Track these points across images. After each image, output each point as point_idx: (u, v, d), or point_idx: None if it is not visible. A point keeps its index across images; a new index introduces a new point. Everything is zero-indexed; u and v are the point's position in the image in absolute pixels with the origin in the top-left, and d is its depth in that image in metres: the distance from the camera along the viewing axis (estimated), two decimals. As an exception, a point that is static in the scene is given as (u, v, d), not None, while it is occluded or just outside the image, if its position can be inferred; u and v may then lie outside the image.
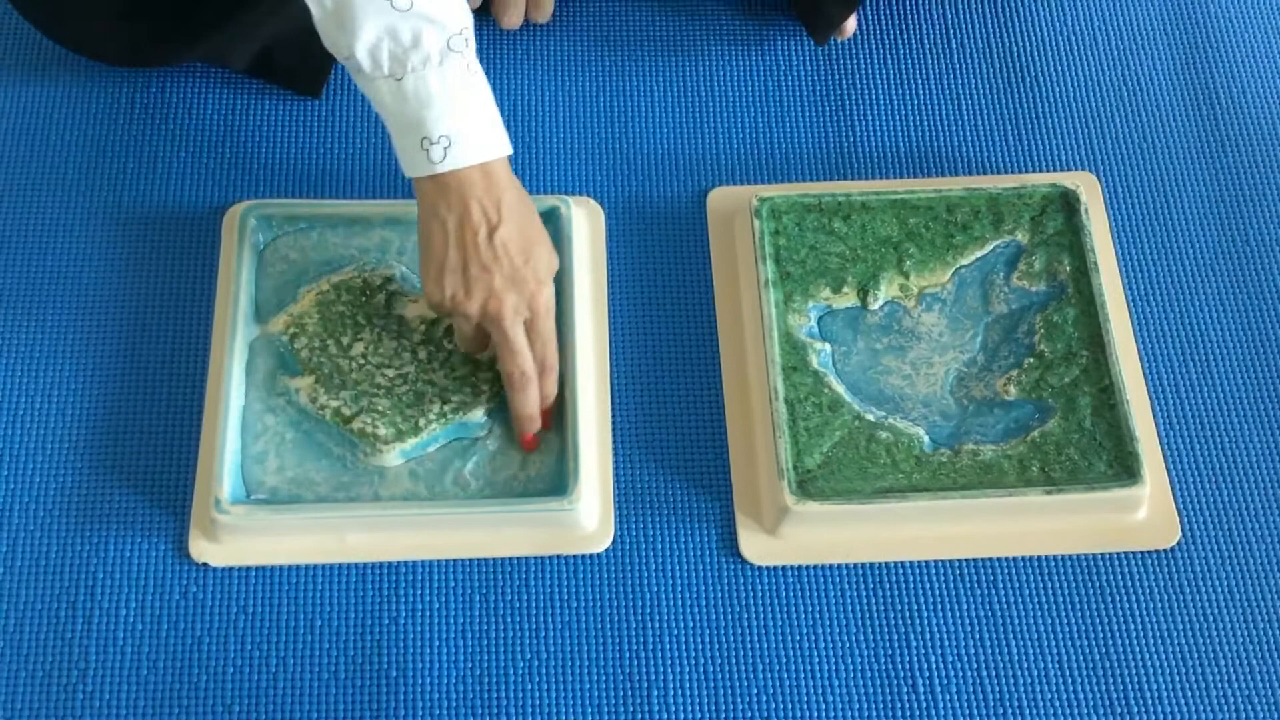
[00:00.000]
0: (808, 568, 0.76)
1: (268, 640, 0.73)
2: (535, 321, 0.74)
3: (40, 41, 0.92)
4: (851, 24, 0.92)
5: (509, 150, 0.72)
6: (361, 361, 0.79)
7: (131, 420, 0.79)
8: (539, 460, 0.77)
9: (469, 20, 0.70)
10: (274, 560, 0.75)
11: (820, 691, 0.72)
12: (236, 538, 0.75)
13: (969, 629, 0.74)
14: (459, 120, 0.69)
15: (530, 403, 0.75)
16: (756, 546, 0.76)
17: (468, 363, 0.79)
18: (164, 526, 0.76)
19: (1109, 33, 0.96)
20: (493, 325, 0.73)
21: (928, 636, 0.74)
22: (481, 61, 0.92)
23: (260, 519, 0.73)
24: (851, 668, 0.73)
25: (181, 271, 0.84)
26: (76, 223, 0.86)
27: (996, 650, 0.74)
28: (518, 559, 0.75)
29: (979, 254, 0.84)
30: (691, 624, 0.74)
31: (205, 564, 0.75)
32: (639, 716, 0.71)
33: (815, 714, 0.72)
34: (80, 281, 0.84)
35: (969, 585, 0.75)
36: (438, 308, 0.74)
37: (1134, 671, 0.73)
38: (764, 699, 0.72)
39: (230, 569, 0.75)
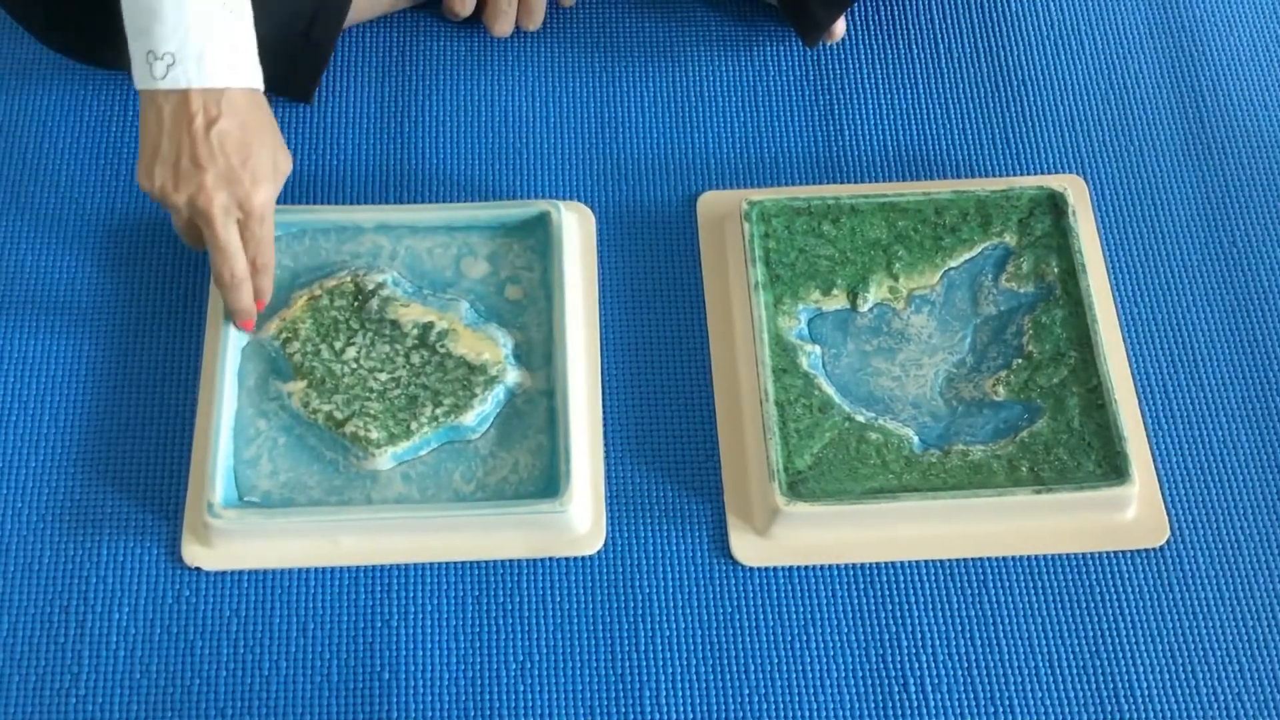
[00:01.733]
0: (799, 568, 0.76)
1: (260, 644, 0.73)
2: (248, 222, 0.72)
3: (34, 47, 0.92)
4: (840, 27, 0.93)
5: (251, 83, 0.71)
6: (354, 366, 0.79)
7: (124, 424, 0.79)
8: (531, 462, 0.77)
9: None
10: (266, 564, 0.75)
11: (812, 692, 0.73)
12: (229, 542, 0.75)
13: (959, 629, 0.74)
14: (187, 40, 0.68)
15: (242, 299, 0.75)
16: (748, 547, 0.76)
17: (460, 366, 0.79)
18: (156, 531, 0.76)
19: (1095, 36, 0.96)
20: (202, 222, 0.71)
21: (918, 636, 0.74)
22: (473, 68, 0.92)
23: (253, 523, 0.74)
24: (843, 668, 0.73)
25: (174, 277, 0.84)
26: (69, 228, 0.86)
27: (987, 650, 0.74)
28: (510, 561, 0.76)
29: (967, 256, 0.84)
30: (683, 625, 0.74)
31: (198, 568, 0.75)
32: (631, 718, 0.72)
33: (807, 714, 0.72)
34: (73, 287, 0.84)
35: (959, 585, 0.76)
36: (149, 195, 0.72)
37: (1124, 670, 0.74)
38: (756, 699, 0.72)
39: (223, 573, 0.75)
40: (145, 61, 0.69)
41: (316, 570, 0.75)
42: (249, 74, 0.71)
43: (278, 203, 0.86)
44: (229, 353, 0.78)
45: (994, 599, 0.75)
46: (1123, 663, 0.74)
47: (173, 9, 0.67)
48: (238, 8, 0.70)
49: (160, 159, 0.70)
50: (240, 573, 0.75)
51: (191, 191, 0.70)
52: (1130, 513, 0.77)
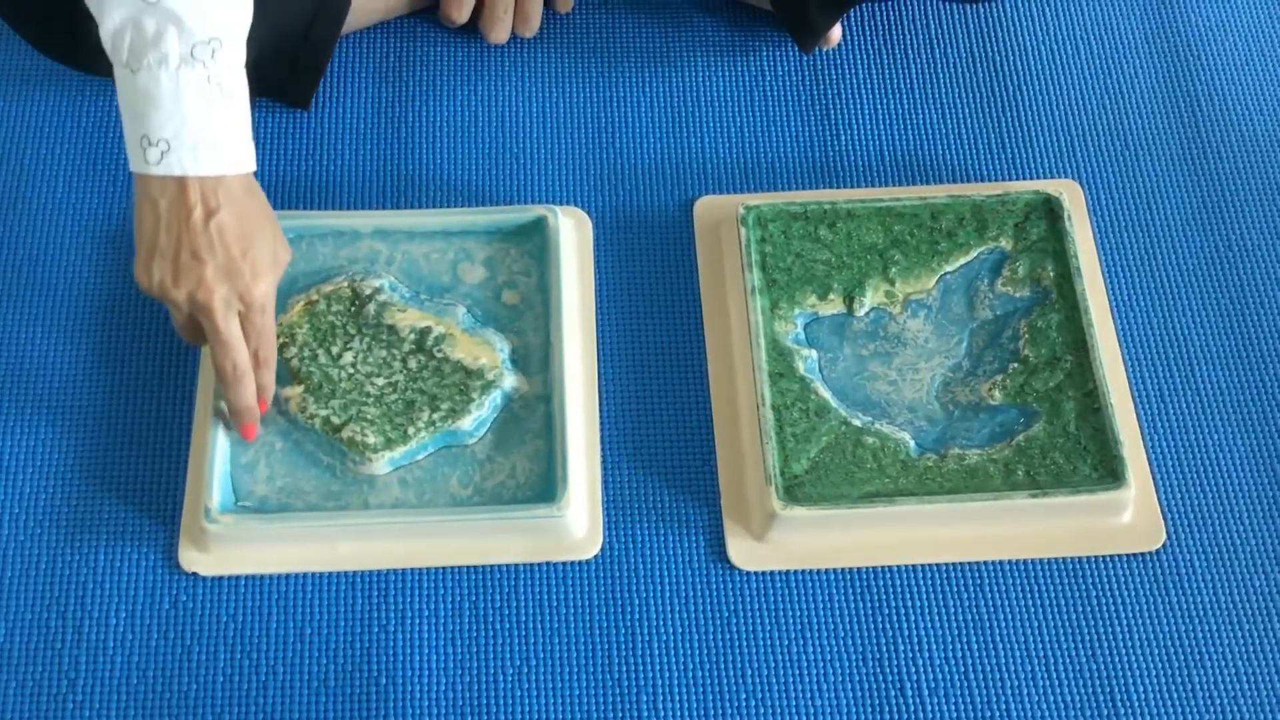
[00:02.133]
0: (795, 572, 0.76)
1: (257, 649, 0.73)
2: (249, 314, 0.71)
3: (30, 55, 0.92)
4: (836, 33, 0.93)
5: (247, 168, 0.70)
6: (351, 371, 0.79)
7: (121, 430, 0.79)
8: (528, 467, 0.77)
9: (227, 33, 0.67)
10: (263, 569, 0.75)
11: (809, 696, 0.73)
12: (226, 547, 0.75)
13: (956, 632, 0.75)
14: (183, 129, 0.67)
15: (245, 396, 0.73)
16: (744, 552, 0.76)
17: (458, 371, 0.79)
18: (153, 536, 0.76)
19: (1091, 42, 0.97)
20: (203, 316, 0.70)
21: (915, 640, 0.74)
22: (470, 74, 0.92)
23: (250, 528, 0.74)
24: (840, 672, 0.73)
25: (171, 282, 0.84)
26: (66, 234, 0.86)
27: (983, 653, 0.74)
28: (507, 566, 0.76)
29: (963, 260, 0.85)
30: (680, 629, 0.74)
31: (195, 573, 0.75)
32: (628, 722, 0.72)
33: (804, 718, 0.72)
34: (69, 292, 0.84)
35: (956, 589, 0.76)
36: (147, 293, 0.71)
37: (1120, 673, 0.74)
38: (752, 704, 0.72)
39: (220, 578, 0.75)
40: (140, 146, 0.68)
41: (313, 575, 0.75)
42: (244, 159, 0.70)
43: (273, 206, 0.86)
44: (226, 358, 0.78)
45: (990, 603, 0.75)
46: (1119, 666, 0.74)
47: (169, 95, 0.66)
48: (233, 90, 0.69)
49: (159, 254, 0.69)
50: (237, 578, 0.75)
51: (191, 286, 0.69)
52: (1126, 517, 0.77)
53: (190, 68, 0.67)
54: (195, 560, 0.75)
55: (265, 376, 0.74)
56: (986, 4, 0.97)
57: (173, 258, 0.69)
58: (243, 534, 0.74)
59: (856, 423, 0.79)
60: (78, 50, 0.86)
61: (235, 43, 0.69)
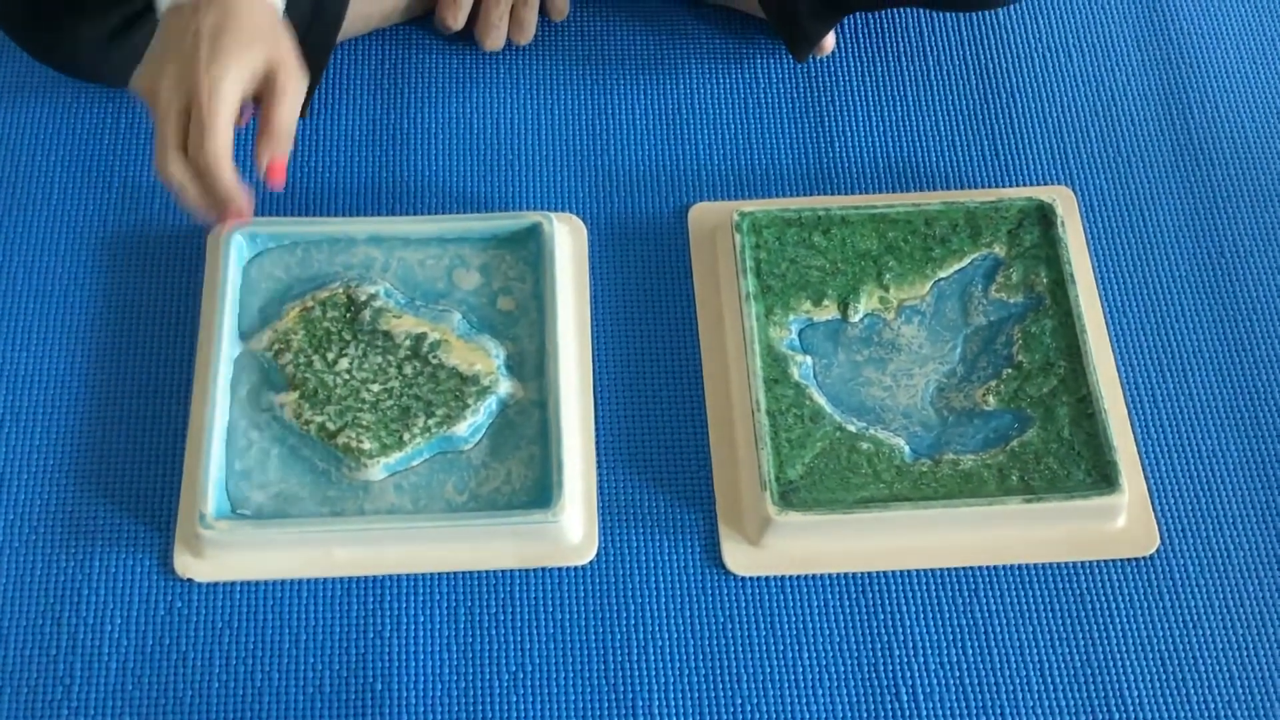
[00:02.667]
0: (791, 578, 0.76)
1: (253, 655, 0.73)
2: (194, 110, 0.66)
3: (26, 61, 0.92)
4: (830, 41, 0.94)
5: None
6: (346, 377, 0.79)
7: (117, 436, 0.79)
8: (524, 473, 0.77)
9: None
10: (259, 575, 0.75)
11: (804, 702, 0.73)
12: (221, 553, 0.75)
13: (951, 638, 0.75)
14: None
15: (193, 201, 0.69)
16: (740, 557, 0.76)
17: (453, 377, 0.79)
18: (149, 542, 0.76)
19: (1083, 49, 0.97)
20: (151, 110, 0.68)
21: (910, 646, 0.74)
22: (465, 82, 0.93)
23: (245, 534, 0.74)
24: (835, 677, 0.73)
25: (166, 288, 0.84)
26: (62, 240, 0.86)
27: (979, 659, 0.74)
28: (502, 572, 0.76)
29: (957, 267, 0.85)
30: (676, 635, 0.74)
31: (190, 579, 0.75)
32: (624, 727, 0.72)
33: (799, 723, 0.72)
34: (65, 299, 0.84)
35: (951, 594, 0.76)
36: (137, 95, 0.69)
37: (1115, 679, 0.74)
38: (748, 709, 0.72)
39: (215, 584, 0.75)
40: None
41: (309, 581, 0.75)
42: None
43: (267, 213, 0.87)
44: (221, 364, 0.78)
45: (985, 608, 0.76)
46: (1113, 671, 0.74)
47: None
48: None
49: (148, 57, 0.68)
50: (232, 584, 0.75)
51: (149, 79, 0.67)
52: (1120, 522, 0.78)
53: None
54: (190, 566, 0.75)
55: (212, 180, 0.67)
56: (979, 12, 0.98)
57: (152, 60, 0.68)
58: (238, 540, 0.74)
59: (851, 428, 0.79)
60: (72, 56, 0.86)
61: None
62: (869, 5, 0.92)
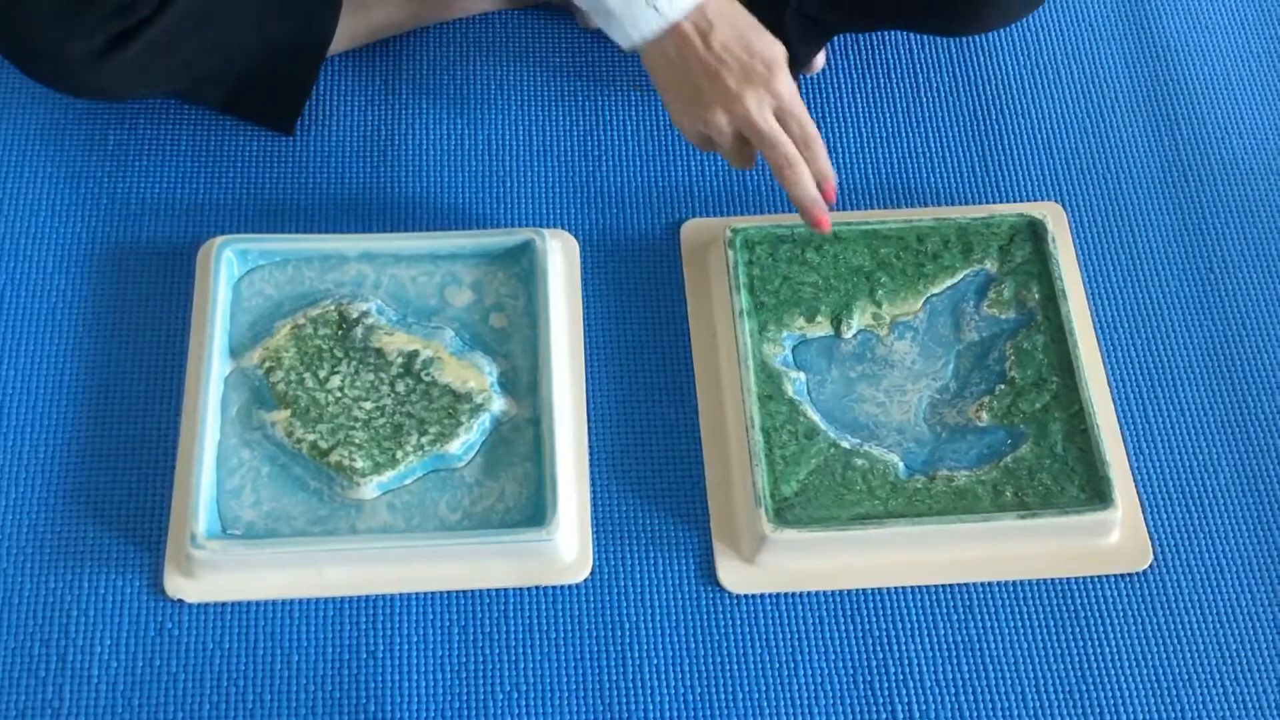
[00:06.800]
0: (786, 595, 0.76)
1: (244, 676, 0.73)
2: (782, 105, 0.74)
3: (14, 76, 0.92)
4: (820, 60, 0.94)
5: None
6: (338, 395, 0.79)
7: (106, 455, 0.78)
8: (517, 491, 0.77)
9: None
10: (250, 595, 0.74)
11: (800, 718, 0.72)
12: (212, 573, 0.74)
13: (946, 654, 0.75)
14: None
15: (804, 184, 0.75)
16: (734, 575, 0.76)
17: (446, 395, 0.79)
18: (139, 562, 0.75)
19: (1073, 66, 0.98)
20: (744, 126, 0.74)
21: (905, 662, 0.74)
22: (457, 98, 0.93)
23: (236, 554, 0.73)
24: (830, 694, 0.73)
25: (156, 306, 0.84)
26: (51, 257, 0.85)
27: (974, 675, 0.74)
28: (496, 590, 0.75)
29: (949, 283, 0.85)
30: (670, 653, 0.74)
31: (180, 600, 0.74)
32: (619, 747, 0.71)
33: (795, 741, 0.72)
34: (54, 316, 0.83)
35: (945, 611, 0.76)
36: (698, 143, 0.77)
37: (1109, 694, 0.74)
38: (744, 727, 0.72)
39: (206, 605, 0.74)
40: (646, 5, 0.73)
41: (301, 601, 0.75)
42: None
43: (258, 230, 0.86)
44: (211, 382, 0.78)
45: (980, 624, 0.76)
46: (1107, 686, 0.74)
47: None
48: None
49: (687, 95, 0.74)
50: (223, 604, 0.74)
51: (724, 103, 0.73)
52: (1114, 537, 0.78)
53: None
54: (181, 587, 0.74)
55: (816, 158, 0.75)
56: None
57: (695, 89, 0.74)
58: (229, 560, 0.73)
59: (845, 445, 0.79)
60: (61, 72, 0.85)
61: None
62: (857, 28, 0.92)
